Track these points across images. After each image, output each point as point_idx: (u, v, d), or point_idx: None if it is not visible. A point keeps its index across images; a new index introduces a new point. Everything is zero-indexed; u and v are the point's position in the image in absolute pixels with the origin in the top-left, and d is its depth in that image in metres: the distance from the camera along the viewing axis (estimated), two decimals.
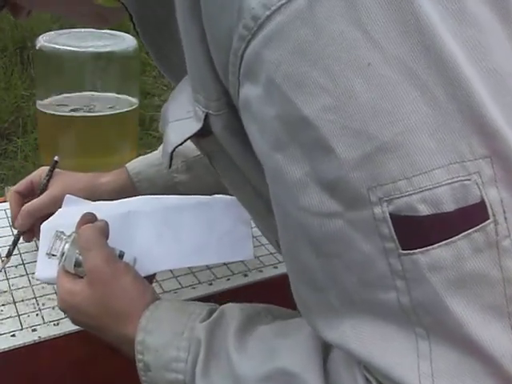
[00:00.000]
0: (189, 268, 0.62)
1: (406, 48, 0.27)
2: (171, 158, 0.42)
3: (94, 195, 0.65)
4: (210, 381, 0.40)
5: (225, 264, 0.63)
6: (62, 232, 0.51)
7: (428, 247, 0.28)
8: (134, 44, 0.82)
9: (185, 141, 0.40)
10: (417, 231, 0.28)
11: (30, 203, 0.63)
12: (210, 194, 0.60)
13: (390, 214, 0.28)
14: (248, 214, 0.53)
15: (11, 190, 0.66)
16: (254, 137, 0.33)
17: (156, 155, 0.69)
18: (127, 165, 0.68)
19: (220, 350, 0.41)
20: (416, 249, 0.28)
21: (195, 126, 0.38)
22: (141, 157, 0.70)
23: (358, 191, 0.28)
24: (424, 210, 0.28)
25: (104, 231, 0.50)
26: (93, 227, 0.50)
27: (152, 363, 0.43)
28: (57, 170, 0.66)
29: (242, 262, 0.64)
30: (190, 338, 0.42)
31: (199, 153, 0.51)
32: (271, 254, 0.66)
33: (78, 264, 0.48)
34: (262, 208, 0.43)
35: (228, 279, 0.61)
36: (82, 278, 0.48)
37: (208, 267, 0.63)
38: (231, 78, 0.32)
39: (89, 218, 0.52)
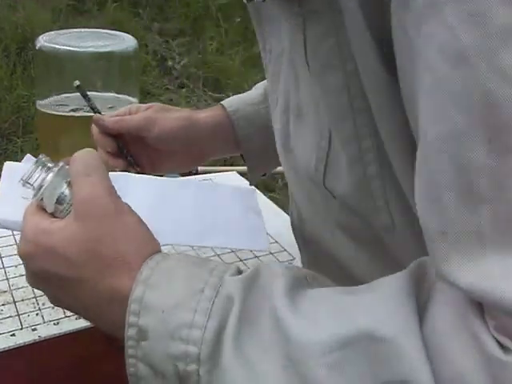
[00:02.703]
0: None
1: None
2: None
3: (190, 130, 0.59)
4: (244, 352, 0.30)
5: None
6: (48, 160, 0.40)
7: None
8: (134, 44, 0.82)
9: None
10: None
11: (120, 118, 0.59)
12: None
13: None
14: (257, 203, 0.51)
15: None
16: None
17: (252, 95, 0.65)
18: (223, 102, 0.64)
19: (261, 312, 0.31)
20: None
21: None
22: (235, 96, 0.66)
23: None
24: None
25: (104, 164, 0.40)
26: (94, 153, 0.40)
27: (152, 328, 0.32)
28: (151, 103, 0.63)
29: (242, 262, 0.64)
30: (212, 298, 0.31)
31: None
32: (271, 253, 0.66)
33: (60, 200, 0.37)
34: (346, 111, 0.36)
35: None
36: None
37: None
38: None
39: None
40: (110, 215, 0.35)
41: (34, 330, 0.52)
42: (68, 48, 0.78)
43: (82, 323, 0.53)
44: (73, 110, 0.78)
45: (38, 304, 0.56)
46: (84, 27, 0.89)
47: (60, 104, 0.80)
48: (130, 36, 0.85)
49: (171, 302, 0.32)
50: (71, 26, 1.93)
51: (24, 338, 0.51)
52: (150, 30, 2.98)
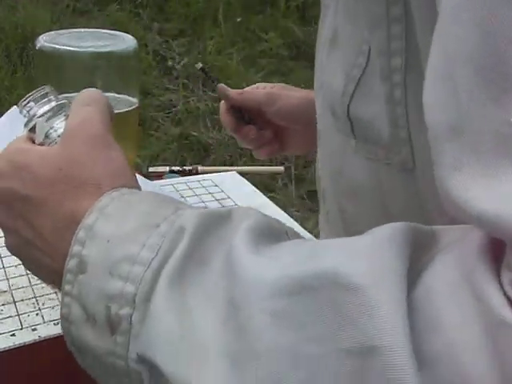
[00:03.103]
0: None
1: None
2: None
3: (311, 110, 0.57)
4: (181, 296, 0.25)
5: None
6: (53, 92, 0.38)
7: None
8: (133, 44, 0.82)
9: None
10: None
11: (244, 90, 0.60)
12: None
13: None
14: None
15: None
16: None
17: None
18: None
19: (215, 253, 0.26)
20: None
21: None
22: None
23: None
24: None
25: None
26: (99, 91, 0.37)
27: (92, 259, 0.28)
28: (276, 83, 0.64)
29: None
30: (166, 233, 0.27)
31: None
32: None
33: (50, 133, 0.35)
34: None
35: None
36: None
37: None
38: None
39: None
40: (96, 142, 0.32)
41: (34, 330, 0.52)
42: (68, 48, 0.77)
43: None
44: None
45: (38, 304, 0.56)
46: (84, 27, 0.89)
47: None
48: (130, 36, 0.85)
49: (120, 232, 0.28)
50: (71, 26, 1.93)
51: (24, 338, 0.51)
52: (150, 30, 2.98)
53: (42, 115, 0.36)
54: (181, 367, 0.25)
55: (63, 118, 0.36)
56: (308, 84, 0.60)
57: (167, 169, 1.31)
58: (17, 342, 0.51)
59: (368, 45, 0.36)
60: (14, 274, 0.60)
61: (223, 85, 0.63)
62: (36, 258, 0.33)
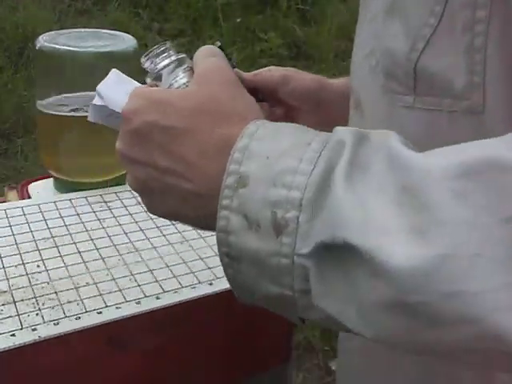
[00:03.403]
0: (189, 268, 0.62)
1: None
2: None
3: (323, 92, 0.61)
4: (356, 191, 0.29)
5: None
6: (172, 46, 0.43)
7: None
8: (133, 44, 0.82)
9: None
10: None
11: (258, 71, 0.60)
12: None
13: None
14: None
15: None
16: None
17: None
18: None
19: (373, 159, 0.30)
20: None
21: None
22: None
23: None
24: None
25: None
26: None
27: (253, 173, 0.31)
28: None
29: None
30: (319, 150, 0.31)
31: None
32: None
33: (172, 84, 0.39)
34: None
35: None
36: None
37: (208, 267, 0.63)
38: None
39: None
40: (230, 84, 0.37)
41: (33, 330, 0.52)
42: (68, 48, 0.77)
43: (82, 323, 0.53)
44: (73, 110, 0.78)
45: (37, 304, 0.56)
46: (84, 27, 0.89)
47: (60, 104, 0.80)
48: (130, 36, 0.84)
49: (276, 150, 0.31)
50: (71, 26, 1.93)
51: (24, 338, 0.51)
52: (150, 30, 2.98)
53: (164, 67, 0.40)
54: (371, 240, 0.27)
55: (185, 70, 0.40)
56: None
57: None
58: (17, 342, 0.51)
59: (442, 5, 0.38)
60: (14, 274, 0.60)
61: (237, 69, 0.64)
62: (171, 184, 0.36)
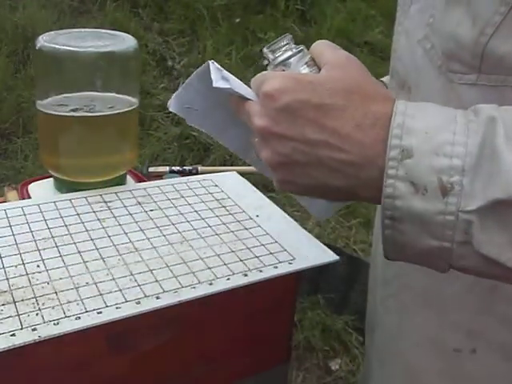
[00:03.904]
0: (188, 267, 0.62)
1: None
2: None
3: None
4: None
5: (225, 264, 0.63)
6: (291, 38, 0.47)
7: None
8: (133, 44, 0.82)
9: None
10: None
11: None
12: None
13: None
14: None
15: None
16: None
17: None
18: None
19: None
20: None
21: None
22: None
23: None
24: None
25: None
26: None
27: (416, 146, 0.37)
28: None
29: (241, 262, 0.64)
30: (466, 123, 0.37)
31: None
32: (271, 253, 0.66)
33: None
34: None
35: (228, 279, 0.61)
36: None
37: (208, 267, 0.63)
38: None
39: None
40: (365, 71, 0.42)
41: (33, 330, 0.52)
42: (68, 48, 0.77)
43: (83, 323, 0.53)
44: (73, 110, 0.78)
45: (37, 304, 0.56)
46: (84, 27, 0.89)
47: (60, 104, 0.79)
48: (130, 36, 0.84)
49: (431, 125, 0.37)
50: (71, 25, 1.93)
51: (24, 338, 0.51)
52: (150, 30, 2.98)
53: (289, 57, 0.44)
54: None
55: (310, 59, 0.44)
56: None
57: (167, 169, 1.31)
58: (17, 342, 0.51)
59: None
60: (14, 274, 0.60)
61: None
62: (323, 155, 0.40)
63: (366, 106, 0.39)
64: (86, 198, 0.75)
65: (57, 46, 0.77)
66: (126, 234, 0.68)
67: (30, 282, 0.59)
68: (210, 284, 0.60)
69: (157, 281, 0.60)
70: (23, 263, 0.62)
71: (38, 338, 0.51)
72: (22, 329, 0.52)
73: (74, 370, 0.55)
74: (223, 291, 0.60)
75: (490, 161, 0.35)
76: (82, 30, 0.85)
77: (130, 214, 0.72)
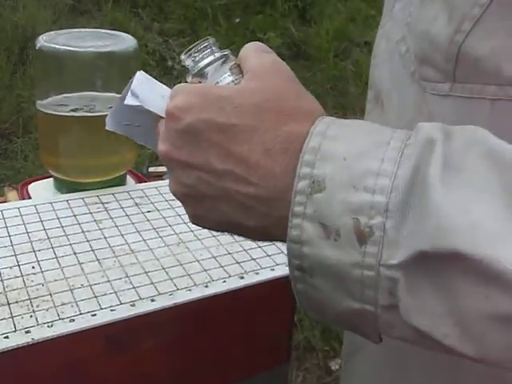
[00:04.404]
0: (184, 270, 0.62)
1: None
2: None
3: None
4: (454, 193, 0.26)
5: (221, 266, 0.63)
6: (215, 43, 0.39)
7: None
8: (133, 44, 0.82)
9: None
10: None
11: None
12: None
13: None
14: None
15: None
16: None
17: None
18: None
19: (467, 158, 0.27)
20: None
21: None
22: None
23: None
24: None
25: None
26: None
27: (330, 177, 0.28)
28: None
29: (238, 265, 0.63)
30: (401, 149, 0.28)
31: None
32: (268, 256, 0.66)
33: (220, 81, 0.37)
34: None
35: (224, 281, 0.61)
36: None
37: (204, 269, 0.62)
38: None
39: None
40: (291, 79, 0.34)
41: (27, 332, 0.52)
42: (68, 48, 0.77)
43: (77, 325, 0.53)
44: (73, 110, 0.78)
45: (32, 306, 0.55)
46: (84, 27, 0.89)
47: (60, 104, 0.79)
48: (130, 36, 0.84)
49: (354, 150, 0.28)
50: (71, 26, 1.93)
51: (17, 340, 0.51)
52: (150, 30, 2.98)
53: (209, 64, 0.38)
54: (485, 248, 0.25)
55: (233, 66, 0.37)
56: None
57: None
58: (9, 345, 0.50)
59: None
60: (9, 275, 0.60)
61: None
62: (229, 189, 0.32)
63: (279, 126, 0.31)
64: (83, 198, 0.75)
65: (57, 46, 0.76)
66: (122, 235, 0.67)
67: (24, 284, 0.58)
68: (206, 286, 0.60)
69: (152, 283, 0.59)
70: (18, 264, 0.62)
71: (31, 341, 0.51)
72: (15, 331, 0.52)
73: (68, 372, 0.55)
74: (219, 294, 0.59)
75: (420, 198, 0.26)
76: (82, 30, 0.85)
77: (127, 216, 0.72)
